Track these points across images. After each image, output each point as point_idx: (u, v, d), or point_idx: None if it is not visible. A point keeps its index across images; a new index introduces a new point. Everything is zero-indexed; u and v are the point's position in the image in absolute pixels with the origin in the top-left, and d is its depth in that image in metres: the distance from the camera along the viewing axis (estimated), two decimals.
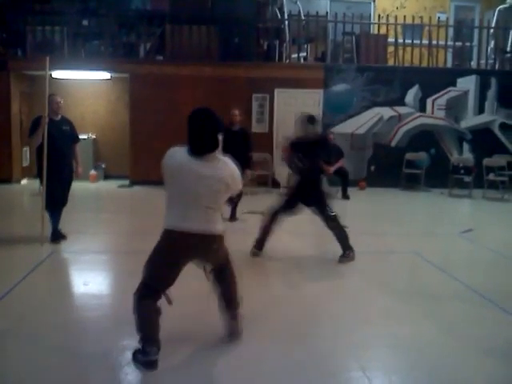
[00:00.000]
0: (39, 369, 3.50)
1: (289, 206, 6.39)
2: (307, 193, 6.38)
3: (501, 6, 13.61)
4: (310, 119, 6.36)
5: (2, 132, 11.68)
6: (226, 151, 3.79)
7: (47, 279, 5.61)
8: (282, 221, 6.44)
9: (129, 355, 3.69)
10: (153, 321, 3.52)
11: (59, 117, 6.91)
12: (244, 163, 6.34)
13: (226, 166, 3.57)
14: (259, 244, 6.42)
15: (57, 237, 6.86)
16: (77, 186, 11.38)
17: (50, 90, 6.98)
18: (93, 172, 12.41)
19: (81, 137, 12.14)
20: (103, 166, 12.77)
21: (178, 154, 3.54)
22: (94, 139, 12.79)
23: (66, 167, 6.89)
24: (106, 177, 12.71)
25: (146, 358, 3.42)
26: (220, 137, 3.56)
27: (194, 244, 3.53)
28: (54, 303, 4.81)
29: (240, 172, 3.71)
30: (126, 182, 11.97)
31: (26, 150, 12.26)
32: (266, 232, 6.41)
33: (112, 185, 11.97)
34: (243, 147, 8.28)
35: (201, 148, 3.48)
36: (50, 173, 6.55)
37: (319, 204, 6.36)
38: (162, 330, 3.54)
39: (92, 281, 5.41)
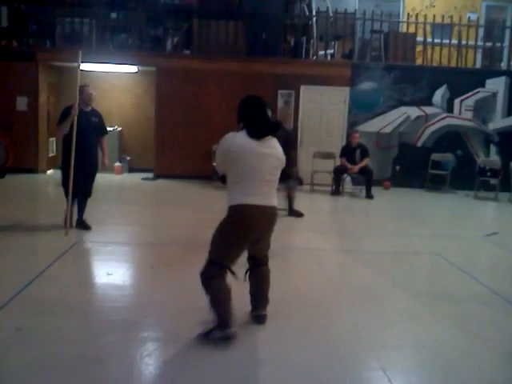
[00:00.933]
0: (61, 356, 3.54)
1: None
2: None
3: None
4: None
5: (29, 122, 11.84)
6: None
7: (71, 269, 5.65)
8: None
9: (150, 346, 3.72)
10: (227, 297, 3.75)
11: (89, 108, 7.00)
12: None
13: (276, 144, 3.91)
14: None
15: (81, 226, 7.00)
16: (102, 178, 11.53)
17: (80, 82, 7.04)
18: (118, 164, 12.51)
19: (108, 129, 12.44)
20: (128, 158, 12.86)
21: (237, 138, 3.78)
22: (120, 132, 12.89)
23: (91, 158, 6.99)
24: (131, 169, 12.81)
25: (226, 332, 3.70)
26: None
27: (264, 216, 3.81)
28: (78, 293, 4.86)
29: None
30: (150, 175, 12.04)
31: (53, 140, 12.41)
32: None
33: (136, 177, 12.05)
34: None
35: (263, 131, 3.80)
36: (75, 162, 6.64)
37: None
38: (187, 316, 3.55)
39: (115, 271, 5.45)
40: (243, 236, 3.80)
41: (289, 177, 6.82)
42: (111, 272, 5.41)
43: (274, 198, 3.89)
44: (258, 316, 4.19)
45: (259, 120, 3.82)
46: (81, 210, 7.06)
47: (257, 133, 3.77)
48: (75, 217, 7.07)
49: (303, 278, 5.64)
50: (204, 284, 3.75)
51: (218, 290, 3.75)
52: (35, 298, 4.59)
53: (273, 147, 3.85)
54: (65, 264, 5.69)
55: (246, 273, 4.09)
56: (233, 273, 3.81)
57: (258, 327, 4.14)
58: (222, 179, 3.99)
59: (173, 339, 3.87)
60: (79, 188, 6.85)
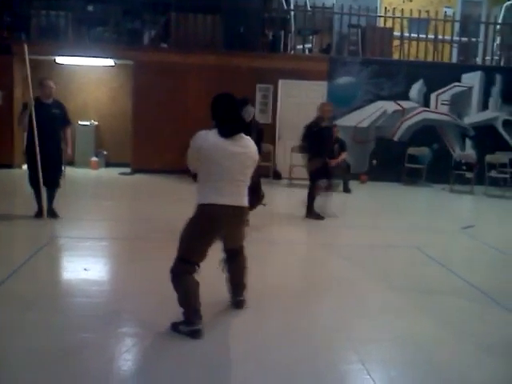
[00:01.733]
0: (38, 353, 3.50)
1: None
2: None
3: (508, 2, 13.55)
4: (245, 102, 6.40)
5: (3, 117, 11.65)
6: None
7: (48, 264, 5.60)
8: None
9: (128, 342, 3.70)
10: (196, 293, 3.80)
11: (51, 100, 7.16)
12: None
13: (250, 143, 3.92)
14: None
15: (50, 214, 7.15)
16: (78, 173, 11.51)
17: (52, 75, 7.06)
18: (94, 159, 12.40)
19: (83, 123, 12.32)
20: (105, 153, 12.74)
21: (209, 137, 3.77)
22: (96, 126, 12.76)
23: (53, 149, 7.12)
24: (108, 164, 12.69)
25: (192, 328, 3.75)
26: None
27: (230, 215, 3.83)
28: (55, 288, 4.81)
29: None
30: (128, 169, 11.96)
31: (25, 135, 12.22)
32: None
33: (113, 172, 11.95)
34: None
35: (234, 130, 3.80)
36: (37, 153, 6.84)
37: None
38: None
39: (92, 267, 5.40)
40: (210, 234, 3.85)
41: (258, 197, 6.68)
42: (88, 267, 5.36)
43: (243, 198, 3.93)
44: (236, 301, 4.33)
45: (230, 119, 3.82)
46: (50, 200, 7.21)
47: (227, 132, 3.77)
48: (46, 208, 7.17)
49: (281, 272, 5.65)
50: (172, 280, 3.80)
51: (185, 286, 3.80)
52: (12, 293, 4.53)
53: (245, 146, 3.85)
54: (42, 259, 5.64)
55: (221, 262, 4.21)
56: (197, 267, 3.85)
57: (235, 321, 4.15)
58: (194, 177, 4.00)
59: (151, 333, 3.86)
60: (45, 179, 7.01)
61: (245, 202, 3.95)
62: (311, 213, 8.04)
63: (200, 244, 3.84)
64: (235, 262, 4.24)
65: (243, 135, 3.87)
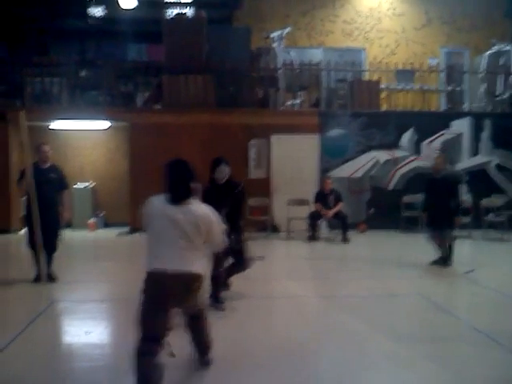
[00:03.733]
0: None
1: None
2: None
3: (489, 52, 13.95)
4: (218, 162, 6.16)
5: (0, 182, 11.72)
6: None
7: (49, 329, 5.54)
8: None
9: None
10: (151, 379, 3.51)
11: (47, 165, 7.31)
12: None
13: (198, 209, 3.79)
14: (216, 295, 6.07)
15: (48, 278, 7.16)
16: (76, 235, 11.47)
17: (50, 141, 7.23)
18: (92, 220, 12.40)
19: (80, 186, 12.39)
20: (102, 214, 12.76)
21: (155, 201, 3.81)
22: (93, 188, 12.82)
23: (51, 214, 7.19)
24: (106, 225, 12.68)
25: None
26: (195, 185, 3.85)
27: (172, 283, 3.63)
28: (56, 353, 4.75)
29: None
30: (126, 229, 11.94)
31: (25, 200, 12.26)
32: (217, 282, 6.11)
33: (111, 233, 11.92)
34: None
35: (178, 197, 3.75)
36: (36, 217, 6.92)
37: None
38: None
39: (93, 330, 5.34)
40: (157, 303, 3.66)
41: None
42: (89, 330, 5.30)
43: (188, 264, 3.70)
44: (200, 360, 4.27)
45: (173, 186, 3.79)
46: (48, 264, 7.23)
47: (170, 198, 3.75)
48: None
49: (282, 326, 5.60)
50: (134, 360, 3.56)
51: (143, 368, 3.53)
52: (13, 359, 4.48)
53: (189, 211, 3.73)
54: (42, 324, 5.58)
55: (184, 325, 4.11)
56: (167, 348, 3.63)
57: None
58: None
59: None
60: (44, 243, 7.05)
61: (190, 267, 3.71)
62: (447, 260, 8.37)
63: (153, 316, 3.62)
64: (193, 325, 4.15)
65: (192, 201, 3.79)
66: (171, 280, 3.63)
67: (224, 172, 6.18)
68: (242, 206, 6.37)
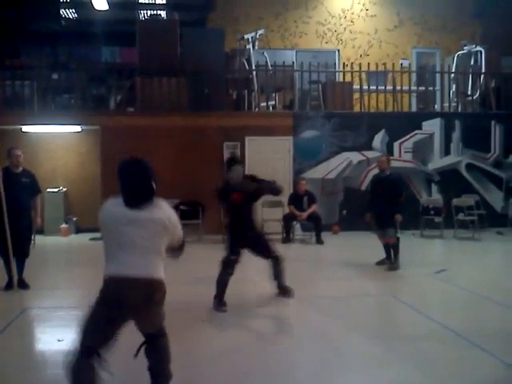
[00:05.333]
0: None
1: (234, 252, 6.26)
2: (246, 236, 6.29)
3: (459, 52, 14.16)
4: (232, 162, 6.31)
5: None
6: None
7: (21, 336, 5.49)
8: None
9: None
10: None
11: (20, 169, 7.17)
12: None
13: (161, 208, 3.50)
14: (219, 298, 6.18)
15: (20, 285, 7.02)
16: (48, 241, 11.34)
17: (20, 144, 7.10)
18: (64, 226, 12.25)
19: (51, 190, 12.23)
20: (74, 219, 12.62)
21: (110, 204, 3.51)
22: (65, 192, 12.68)
23: (23, 218, 7.07)
24: (78, 230, 12.54)
25: None
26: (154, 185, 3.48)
27: (134, 288, 3.32)
28: (28, 361, 4.71)
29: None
30: (99, 234, 11.81)
31: None
32: (222, 286, 6.21)
33: (84, 238, 11.78)
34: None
35: (135, 199, 3.43)
36: (5, 223, 6.76)
37: (260, 245, 6.34)
38: None
39: (66, 337, 5.28)
40: (108, 313, 3.33)
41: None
42: (62, 338, 5.25)
43: (149, 269, 3.40)
44: None
45: (129, 188, 3.46)
46: (20, 270, 7.09)
47: (126, 201, 3.42)
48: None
49: (256, 327, 5.63)
50: (66, 372, 3.29)
51: (75, 379, 3.26)
52: None
53: (152, 211, 3.44)
54: (14, 331, 5.55)
55: (139, 348, 3.56)
56: (102, 360, 3.32)
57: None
58: None
59: None
60: (15, 249, 6.91)
61: (153, 273, 3.41)
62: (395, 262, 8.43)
63: (98, 326, 3.33)
64: (152, 347, 3.57)
65: (155, 202, 3.47)
66: (131, 287, 3.32)
67: (239, 172, 6.24)
68: (254, 204, 6.40)
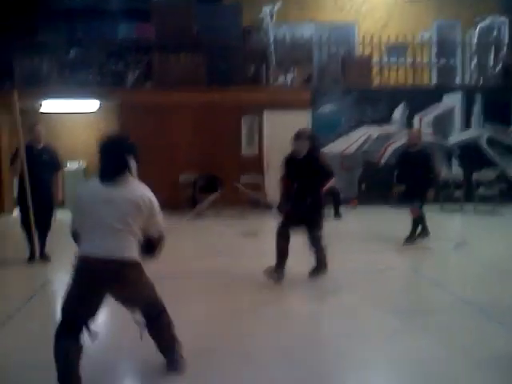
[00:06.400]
0: None
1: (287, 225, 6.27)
2: (304, 212, 6.23)
3: (481, 24, 13.85)
4: (295, 136, 6.26)
5: None
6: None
7: (44, 307, 5.60)
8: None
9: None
10: (71, 363, 3.38)
11: (41, 145, 7.26)
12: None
13: (137, 188, 3.52)
14: (279, 267, 6.23)
15: (42, 258, 7.19)
16: (69, 215, 11.40)
17: (41, 121, 7.16)
18: None
19: (72, 166, 12.34)
20: None
21: (88, 184, 3.66)
22: (85, 168, 12.80)
23: (45, 193, 7.18)
24: None
25: None
26: (132, 161, 3.55)
27: (103, 269, 3.36)
28: (51, 331, 4.76)
29: None
30: None
31: (17, 181, 12.25)
32: (281, 254, 6.26)
33: None
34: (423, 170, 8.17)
35: (107, 172, 3.49)
36: (28, 197, 6.91)
37: (313, 223, 6.26)
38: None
39: None
40: (84, 290, 3.40)
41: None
42: None
43: (122, 249, 3.41)
44: (168, 361, 3.78)
45: (104, 161, 3.54)
46: (42, 244, 7.24)
47: (100, 174, 3.51)
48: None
49: (276, 299, 5.67)
50: (53, 345, 3.41)
51: (61, 351, 3.38)
52: (11, 336, 4.57)
53: (126, 190, 3.45)
54: (37, 303, 5.64)
55: (141, 330, 3.65)
56: (89, 331, 3.46)
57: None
58: (74, 238, 3.61)
59: (149, 372, 3.83)
60: (37, 222, 7.06)
61: (126, 254, 3.42)
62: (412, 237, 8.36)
63: (77, 302, 3.41)
64: (153, 326, 3.66)
65: (131, 180, 3.52)
66: (102, 266, 3.35)
67: (301, 146, 6.20)
68: (318, 179, 6.26)
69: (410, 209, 8.30)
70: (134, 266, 3.47)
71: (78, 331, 3.41)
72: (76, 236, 3.56)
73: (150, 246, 3.57)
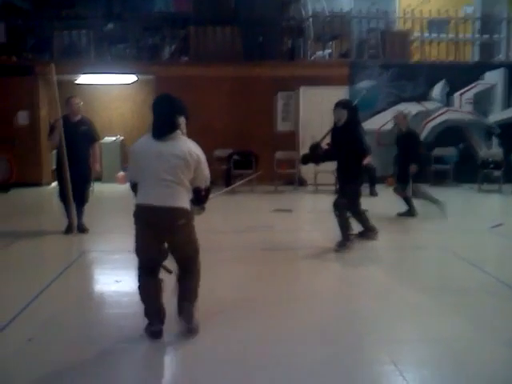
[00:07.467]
0: (73, 364, 3.56)
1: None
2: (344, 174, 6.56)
3: None
4: (335, 104, 6.52)
5: (31, 136, 11.91)
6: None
7: (80, 277, 5.71)
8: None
9: (162, 350, 3.76)
10: (152, 296, 3.88)
11: (78, 117, 7.32)
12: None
13: (184, 145, 3.78)
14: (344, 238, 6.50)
15: (80, 230, 7.31)
16: (105, 188, 11.64)
17: (78, 94, 7.24)
18: (121, 173, 12.53)
19: (109, 139, 12.49)
20: None
21: (142, 140, 3.88)
22: (122, 141, 12.93)
23: (82, 165, 7.27)
24: None
25: (151, 329, 3.87)
26: (182, 119, 3.83)
27: (158, 216, 3.72)
28: (88, 300, 4.90)
29: None
30: None
31: (55, 153, 12.47)
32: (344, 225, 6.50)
33: None
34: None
35: (159, 130, 3.76)
36: (66, 169, 6.99)
37: (344, 189, 6.51)
38: None
39: (123, 278, 5.48)
40: (146, 234, 3.81)
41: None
42: (119, 279, 5.44)
43: (173, 199, 3.73)
44: (183, 327, 3.94)
45: (155, 120, 3.82)
46: (79, 215, 7.35)
47: (153, 133, 3.79)
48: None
49: (310, 276, 5.68)
50: (137, 281, 3.95)
51: (144, 288, 3.92)
52: (46, 306, 4.66)
53: (175, 145, 3.74)
54: (74, 273, 5.77)
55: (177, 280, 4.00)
56: (164, 267, 3.93)
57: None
58: (133, 188, 3.96)
59: (183, 341, 3.90)
60: (75, 195, 7.14)
61: (177, 203, 3.74)
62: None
63: (144, 245, 3.84)
64: (182, 280, 3.97)
65: (180, 136, 3.81)
66: (156, 214, 3.72)
67: (339, 114, 6.46)
68: (351, 150, 6.37)
69: (396, 191, 8.78)
70: (183, 214, 3.79)
71: (154, 270, 3.88)
72: (134, 186, 3.91)
73: (199, 196, 3.89)
